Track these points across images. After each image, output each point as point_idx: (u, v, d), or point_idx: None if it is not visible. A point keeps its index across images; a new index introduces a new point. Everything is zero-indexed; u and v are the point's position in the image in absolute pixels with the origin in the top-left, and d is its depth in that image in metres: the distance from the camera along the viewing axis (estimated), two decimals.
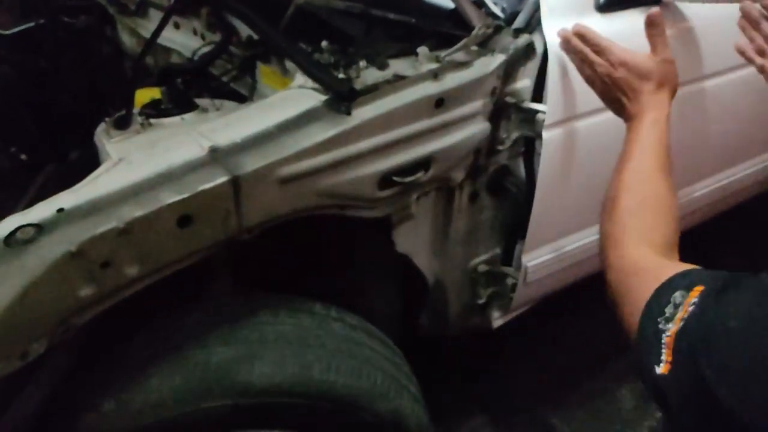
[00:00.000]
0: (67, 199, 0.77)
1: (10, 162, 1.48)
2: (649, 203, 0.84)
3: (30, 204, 0.79)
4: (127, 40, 1.63)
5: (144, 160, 0.83)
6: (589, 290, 1.55)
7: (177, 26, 1.38)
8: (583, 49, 0.99)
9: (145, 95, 1.07)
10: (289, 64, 1.04)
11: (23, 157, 1.51)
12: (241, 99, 1.15)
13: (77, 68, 1.67)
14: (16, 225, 0.74)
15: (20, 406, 0.83)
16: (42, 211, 0.76)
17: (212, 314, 0.98)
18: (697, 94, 1.31)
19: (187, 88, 1.11)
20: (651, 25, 0.98)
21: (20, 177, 1.38)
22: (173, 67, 1.24)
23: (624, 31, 1.08)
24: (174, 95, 1.05)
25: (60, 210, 0.76)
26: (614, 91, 0.97)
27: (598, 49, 0.97)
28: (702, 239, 2.08)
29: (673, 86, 0.97)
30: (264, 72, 1.13)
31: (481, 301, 1.31)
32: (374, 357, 1.02)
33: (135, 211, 0.77)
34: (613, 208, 0.85)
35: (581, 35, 1.00)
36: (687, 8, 1.23)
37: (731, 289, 0.60)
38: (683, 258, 0.77)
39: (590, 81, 1.01)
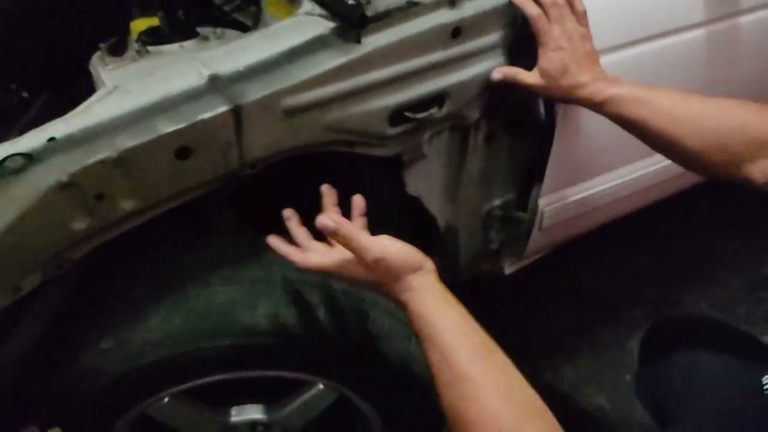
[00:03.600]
0: (59, 127, 0.73)
1: (11, 98, 1.43)
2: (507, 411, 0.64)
3: (21, 133, 0.75)
4: None
5: (140, 88, 0.77)
6: (603, 238, 1.52)
7: None
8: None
9: (143, 24, 1.01)
10: None
11: (24, 94, 1.47)
12: (245, 29, 1.09)
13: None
14: (5, 154, 0.70)
15: (16, 342, 0.81)
16: (32, 139, 0.71)
17: (215, 253, 0.95)
18: (730, 31, 1.23)
19: (188, 18, 1.05)
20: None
21: (21, 114, 1.34)
22: None
23: None
24: (174, 23, 0.99)
25: (51, 139, 0.71)
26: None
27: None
28: (697, 221, 2.03)
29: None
30: (269, 1, 1.06)
31: (493, 247, 1.26)
32: (382, 300, 0.99)
33: (130, 140, 0.72)
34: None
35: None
36: None
37: None
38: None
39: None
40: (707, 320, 1.21)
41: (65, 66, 1.46)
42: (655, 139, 0.92)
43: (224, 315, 0.88)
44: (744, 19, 1.23)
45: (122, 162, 0.72)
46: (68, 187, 0.71)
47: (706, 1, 1.16)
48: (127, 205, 0.76)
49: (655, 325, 1.22)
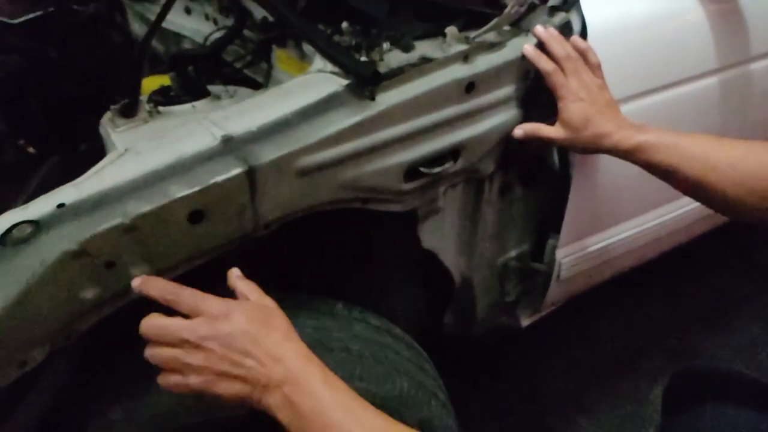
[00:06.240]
0: (69, 193, 0.71)
1: (18, 155, 1.42)
2: None
3: (30, 198, 0.73)
4: (137, 27, 1.57)
5: (152, 150, 0.76)
6: (616, 285, 1.49)
7: (188, 11, 1.31)
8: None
9: (154, 82, 1.00)
10: (307, 48, 0.96)
11: (31, 150, 1.46)
12: (257, 86, 1.08)
13: (87, 57, 1.62)
14: (12, 222, 0.68)
15: (21, 415, 0.78)
16: (41, 206, 0.69)
17: None
18: (743, 78, 1.22)
19: (200, 76, 1.04)
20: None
21: (27, 171, 1.33)
22: (184, 53, 1.17)
23: None
24: (185, 82, 0.98)
25: (60, 205, 0.69)
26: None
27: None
28: (713, 265, 1.99)
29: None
30: (280, 57, 1.06)
31: (510, 299, 1.23)
32: (400, 361, 0.96)
33: (142, 206, 0.70)
34: None
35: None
36: None
37: None
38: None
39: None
40: (731, 372, 1.17)
41: (74, 124, 1.46)
42: (686, 186, 0.90)
43: None
44: (756, 66, 1.22)
45: (134, 228, 0.70)
46: (78, 255, 0.68)
47: (717, 48, 1.15)
48: (138, 271, 0.73)
49: (677, 376, 1.18)
